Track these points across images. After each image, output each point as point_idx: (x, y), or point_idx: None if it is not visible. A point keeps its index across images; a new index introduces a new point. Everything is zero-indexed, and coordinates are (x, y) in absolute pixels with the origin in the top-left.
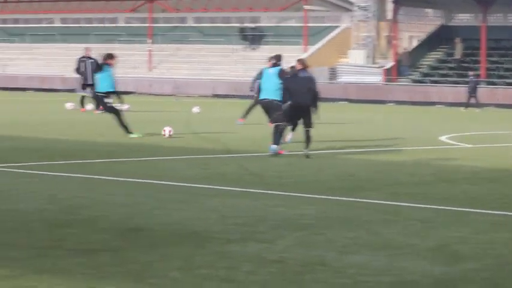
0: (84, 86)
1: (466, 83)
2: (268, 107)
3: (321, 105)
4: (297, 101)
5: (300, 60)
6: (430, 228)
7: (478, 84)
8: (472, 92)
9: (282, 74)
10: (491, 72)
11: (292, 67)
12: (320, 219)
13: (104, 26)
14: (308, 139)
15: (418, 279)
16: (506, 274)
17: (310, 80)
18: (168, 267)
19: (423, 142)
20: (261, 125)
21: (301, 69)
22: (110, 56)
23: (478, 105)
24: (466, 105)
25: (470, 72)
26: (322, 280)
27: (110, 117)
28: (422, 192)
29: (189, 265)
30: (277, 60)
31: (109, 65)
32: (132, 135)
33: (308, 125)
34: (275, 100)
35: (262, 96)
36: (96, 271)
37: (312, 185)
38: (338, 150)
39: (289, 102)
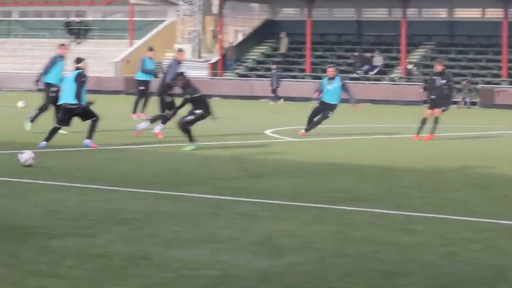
0: None
1: (278, 76)
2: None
3: (151, 100)
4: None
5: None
6: (254, 222)
7: (280, 78)
8: (276, 85)
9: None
10: (316, 67)
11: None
12: (144, 213)
13: None
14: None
15: (241, 273)
16: (329, 267)
17: None
18: None
19: (248, 136)
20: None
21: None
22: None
23: (279, 97)
24: (275, 98)
25: (274, 66)
26: (145, 274)
27: None
28: (246, 186)
29: (13, 261)
30: (77, 62)
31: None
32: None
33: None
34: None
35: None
36: None
37: (136, 180)
38: (163, 145)
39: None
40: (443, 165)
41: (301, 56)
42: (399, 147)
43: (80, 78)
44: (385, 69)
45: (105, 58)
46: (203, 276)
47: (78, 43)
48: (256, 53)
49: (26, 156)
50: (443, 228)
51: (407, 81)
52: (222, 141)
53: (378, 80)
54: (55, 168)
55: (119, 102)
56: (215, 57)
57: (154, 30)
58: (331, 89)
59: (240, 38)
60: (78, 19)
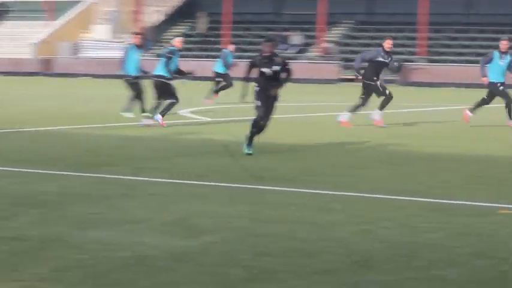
0: None
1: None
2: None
3: (66, 81)
4: None
5: None
6: (169, 202)
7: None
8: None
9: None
10: (236, 46)
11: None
12: (60, 195)
13: None
14: None
15: (156, 254)
16: (244, 246)
17: None
18: None
19: (166, 117)
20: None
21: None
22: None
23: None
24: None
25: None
26: (60, 256)
27: None
28: (162, 166)
29: None
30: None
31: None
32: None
33: None
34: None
35: None
36: None
37: (52, 161)
38: (78, 126)
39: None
40: (356, 144)
41: (219, 35)
42: (318, 125)
43: (168, 54)
44: (305, 48)
45: (23, 40)
46: (118, 257)
47: None
48: (175, 32)
49: None
50: (357, 207)
51: (325, 60)
52: (139, 122)
53: (295, 59)
54: None
55: (36, 83)
56: None
57: (73, 11)
58: (502, 65)
59: (159, 18)
60: None
